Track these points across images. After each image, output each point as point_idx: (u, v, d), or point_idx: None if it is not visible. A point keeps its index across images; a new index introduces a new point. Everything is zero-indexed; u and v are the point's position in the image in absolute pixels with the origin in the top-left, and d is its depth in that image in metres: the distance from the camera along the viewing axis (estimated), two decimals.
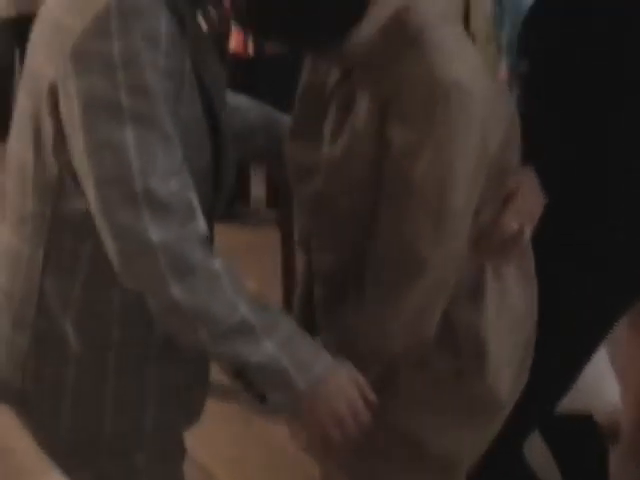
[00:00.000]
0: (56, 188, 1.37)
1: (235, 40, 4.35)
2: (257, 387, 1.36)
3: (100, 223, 1.29)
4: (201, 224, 1.31)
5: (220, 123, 1.44)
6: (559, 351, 1.80)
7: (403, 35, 1.36)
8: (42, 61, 1.35)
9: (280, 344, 1.33)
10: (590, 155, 1.73)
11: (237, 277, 1.34)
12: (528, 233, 1.53)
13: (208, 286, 1.29)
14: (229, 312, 1.30)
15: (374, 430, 1.44)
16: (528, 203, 1.54)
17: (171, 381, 1.49)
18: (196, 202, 1.32)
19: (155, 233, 1.26)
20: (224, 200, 1.51)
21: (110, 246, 1.29)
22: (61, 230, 1.39)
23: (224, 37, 4.28)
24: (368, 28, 1.37)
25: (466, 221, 1.41)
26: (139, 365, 1.45)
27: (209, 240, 1.34)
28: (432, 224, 1.37)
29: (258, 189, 4.71)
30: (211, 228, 1.43)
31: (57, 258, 1.40)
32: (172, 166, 1.29)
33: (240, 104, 1.71)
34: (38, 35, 1.40)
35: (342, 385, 1.39)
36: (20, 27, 5.80)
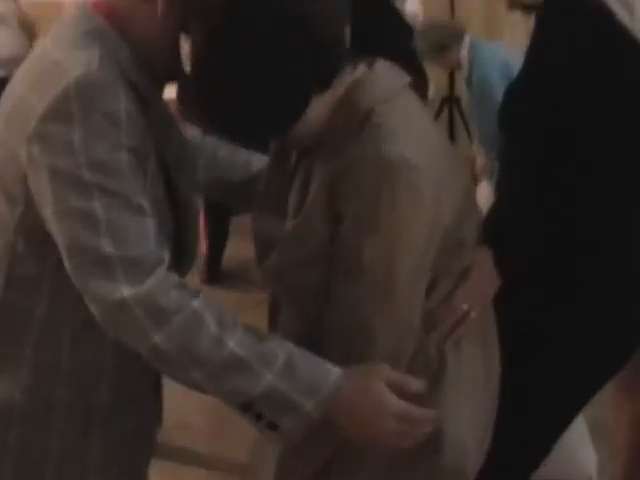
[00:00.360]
0: (9, 253, 1.43)
1: None
2: (267, 417, 1.36)
3: (77, 286, 1.34)
4: (173, 275, 1.34)
5: (180, 198, 1.50)
6: (537, 422, 1.82)
7: (353, 114, 1.39)
8: (7, 134, 1.40)
9: (278, 372, 1.33)
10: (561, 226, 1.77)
11: (222, 312, 1.35)
12: (475, 314, 1.54)
13: (188, 327, 1.31)
14: (215, 349, 1.31)
15: None
16: (480, 283, 1.55)
17: (116, 442, 1.53)
18: (168, 257, 1.35)
19: (127, 289, 1.29)
20: (188, 269, 1.56)
21: (90, 307, 1.33)
22: (14, 293, 1.43)
23: None
24: (318, 111, 1.40)
25: (416, 294, 1.43)
26: (84, 426, 1.48)
27: (185, 284, 1.36)
28: (381, 297, 1.39)
29: (248, 250, 4.75)
30: None
31: (10, 320, 1.45)
32: (144, 232, 1.33)
33: (238, 156, 1.75)
34: (5, 104, 1.43)
35: (372, 393, 1.36)
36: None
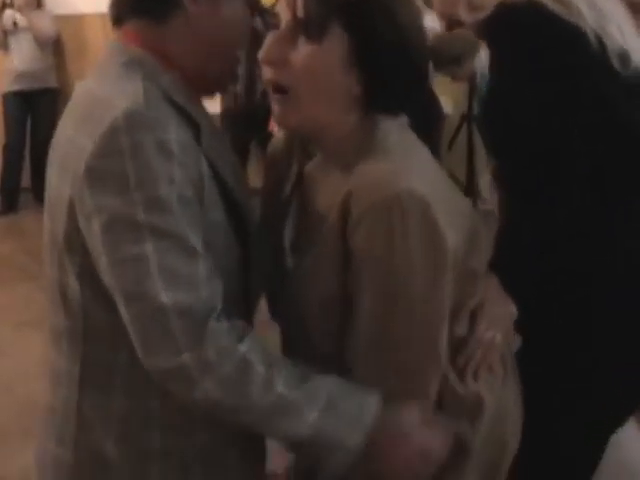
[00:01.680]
0: (81, 303, 1.38)
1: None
2: (317, 453, 1.36)
3: (133, 337, 1.30)
4: (225, 324, 1.30)
5: (246, 221, 1.46)
6: (582, 432, 1.85)
7: (370, 136, 1.43)
8: (59, 181, 1.37)
9: (322, 410, 1.32)
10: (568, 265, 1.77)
11: (267, 351, 1.34)
12: (499, 339, 1.56)
13: (238, 375, 1.29)
14: (264, 393, 1.30)
15: None
16: (496, 308, 1.58)
17: None
18: (221, 306, 1.31)
19: (184, 345, 1.27)
20: (258, 296, 1.53)
21: (143, 359, 1.30)
22: (94, 344, 1.40)
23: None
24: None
25: (439, 326, 1.42)
26: (182, 473, 1.43)
27: (232, 327, 1.31)
28: (404, 332, 1.40)
29: None
30: (250, 321, 1.48)
31: (93, 372, 1.41)
32: (197, 276, 1.30)
33: None
34: (55, 155, 1.41)
35: (401, 427, 1.38)
36: (30, 98, 6.38)
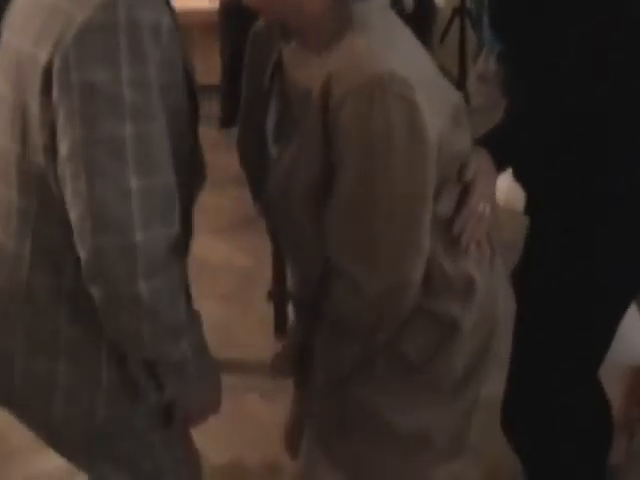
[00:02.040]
0: (41, 181, 1.33)
1: None
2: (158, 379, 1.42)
3: (82, 214, 1.26)
4: (177, 227, 1.32)
5: (198, 111, 1.47)
6: (596, 314, 1.91)
7: (348, 17, 1.42)
8: (32, 45, 1.31)
9: (192, 346, 1.41)
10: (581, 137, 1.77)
11: (188, 284, 1.41)
12: (489, 212, 1.59)
13: (168, 288, 1.31)
14: (175, 315, 1.34)
15: (352, 414, 1.60)
16: (487, 182, 1.61)
17: None
18: (176, 202, 1.32)
19: (140, 231, 1.26)
20: (200, 186, 1.53)
21: (87, 240, 1.27)
22: (48, 224, 1.36)
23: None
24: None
25: (423, 214, 1.43)
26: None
27: (176, 243, 1.33)
28: (382, 216, 1.41)
29: None
30: (190, 215, 1.49)
31: (45, 252, 1.38)
32: (163, 161, 1.29)
33: None
34: (24, 16, 1.36)
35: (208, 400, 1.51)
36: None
